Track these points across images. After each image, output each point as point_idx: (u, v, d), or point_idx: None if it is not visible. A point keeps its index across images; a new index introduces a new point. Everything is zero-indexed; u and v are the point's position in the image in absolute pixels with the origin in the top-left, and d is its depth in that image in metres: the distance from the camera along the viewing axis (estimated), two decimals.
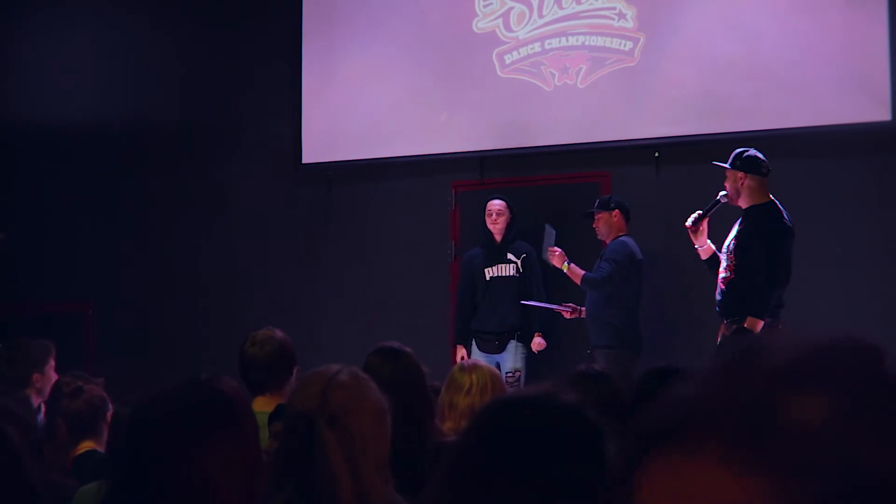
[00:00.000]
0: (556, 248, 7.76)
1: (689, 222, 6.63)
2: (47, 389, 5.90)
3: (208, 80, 9.91)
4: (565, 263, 7.70)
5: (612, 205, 7.85)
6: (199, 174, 9.87)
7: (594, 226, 7.90)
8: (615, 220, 7.84)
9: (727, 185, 6.47)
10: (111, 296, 9.99)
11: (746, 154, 6.41)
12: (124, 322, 9.98)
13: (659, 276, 8.28)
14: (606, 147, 8.51)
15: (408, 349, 3.88)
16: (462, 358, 7.90)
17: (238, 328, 9.62)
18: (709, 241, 6.62)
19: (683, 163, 8.29)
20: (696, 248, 6.70)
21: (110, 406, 5.00)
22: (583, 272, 7.69)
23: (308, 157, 9.45)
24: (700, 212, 6.63)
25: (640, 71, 8.38)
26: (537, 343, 8.01)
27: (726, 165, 6.46)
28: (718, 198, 6.55)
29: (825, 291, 7.58)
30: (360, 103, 9.22)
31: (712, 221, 6.69)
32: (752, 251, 6.29)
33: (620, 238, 7.79)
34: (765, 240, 6.26)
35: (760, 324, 6.15)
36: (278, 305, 9.38)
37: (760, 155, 6.43)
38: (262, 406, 4.25)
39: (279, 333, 4.38)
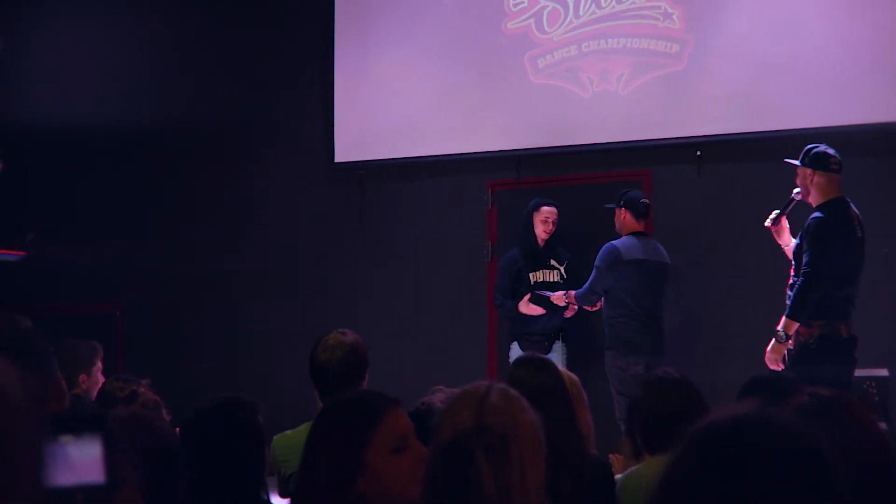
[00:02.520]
0: (558, 298, 7.75)
1: (768, 222, 6.53)
2: (94, 391, 5.80)
3: (240, 80, 9.80)
4: (563, 299, 7.73)
5: (622, 202, 7.69)
6: (230, 174, 9.76)
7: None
8: (623, 218, 7.69)
9: (797, 181, 6.36)
10: (140, 296, 9.89)
11: (815, 150, 6.28)
12: (153, 323, 9.88)
13: (701, 274, 8.18)
14: (647, 145, 8.40)
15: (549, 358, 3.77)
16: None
17: (268, 330, 9.58)
18: (794, 240, 6.49)
19: (726, 161, 8.19)
20: (782, 248, 6.60)
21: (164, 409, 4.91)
22: (573, 292, 7.69)
23: (340, 156, 9.34)
24: (778, 211, 6.53)
25: (685, 73, 8.24)
26: (558, 296, 7.86)
27: (796, 162, 6.35)
28: (793, 195, 6.44)
29: (873, 292, 7.47)
30: (393, 102, 9.11)
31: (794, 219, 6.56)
32: (804, 251, 6.18)
33: (612, 241, 7.64)
34: (815, 239, 6.14)
35: (794, 326, 6.04)
36: (309, 307, 9.28)
37: (831, 151, 6.29)
38: None
39: (350, 337, 4.26)
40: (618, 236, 7.83)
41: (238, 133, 9.79)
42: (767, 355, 6.09)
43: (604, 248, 7.58)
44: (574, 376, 4.01)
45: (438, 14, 9.03)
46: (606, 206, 7.76)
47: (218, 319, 9.65)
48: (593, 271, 7.56)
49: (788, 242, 6.50)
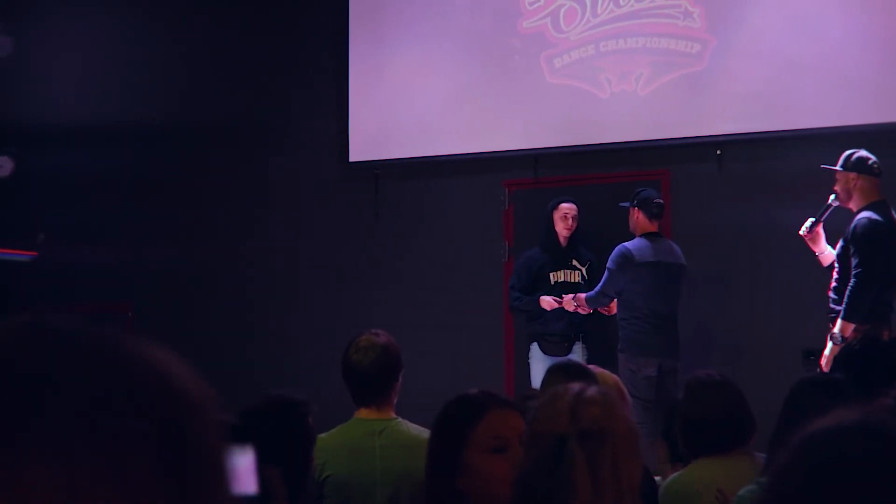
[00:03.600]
0: (567, 303, 7.67)
1: (802, 231, 6.47)
2: None
3: (252, 79, 9.73)
4: (573, 304, 7.65)
5: (635, 202, 7.59)
6: (243, 173, 9.69)
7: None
8: (636, 218, 7.59)
9: (837, 187, 6.31)
10: (152, 296, 9.83)
11: (857, 155, 6.27)
12: (165, 323, 9.80)
13: (721, 276, 8.12)
14: (666, 144, 8.33)
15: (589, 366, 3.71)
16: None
17: (283, 330, 9.51)
18: (829, 248, 6.44)
19: (746, 161, 8.13)
20: (816, 255, 6.54)
21: None
22: (584, 296, 7.61)
23: (355, 155, 9.26)
24: (813, 219, 6.47)
25: (706, 73, 8.18)
26: (567, 301, 7.75)
27: (837, 168, 6.31)
28: (830, 202, 6.39)
29: None
30: (409, 100, 9.04)
31: (829, 226, 6.51)
32: (852, 254, 6.14)
33: (624, 243, 7.56)
34: (866, 241, 6.10)
35: (850, 328, 6.00)
36: (323, 307, 9.22)
37: (871, 155, 6.27)
38: (368, 416, 4.09)
39: (383, 338, 4.18)
40: (634, 236, 7.79)
41: (251, 133, 9.72)
42: (825, 358, 6.06)
43: (616, 249, 7.50)
44: (615, 377, 3.95)
45: (453, 12, 8.97)
46: (620, 204, 7.70)
47: (231, 319, 9.58)
48: (605, 273, 7.51)
49: (824, 250, 6.46)
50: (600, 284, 7.52)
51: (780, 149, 7.99)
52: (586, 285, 7.90)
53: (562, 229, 7.95)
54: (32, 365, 0.80)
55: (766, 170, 8.03)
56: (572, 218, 7.94)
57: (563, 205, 7.97)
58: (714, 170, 8.21)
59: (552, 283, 7.94)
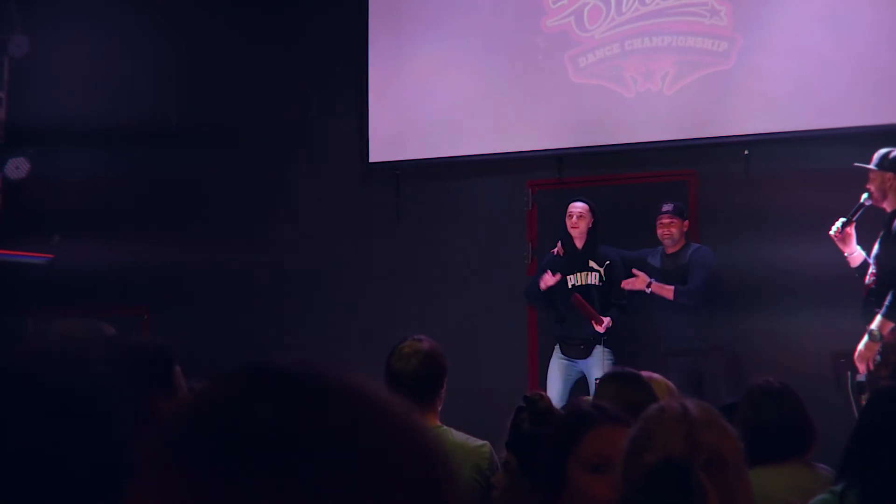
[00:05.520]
0: (638, 273, 7.56)
1: (833, 231, 6.36)
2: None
3: (272, 77, 9.63)
4: (648, 283, 7.57)
5: (686, 214, 7.74)
6: (261, 175, 9.58)
7: (669, 230, 7.65)
8: (685, 229, 7.73)
9: (871, 186, 6.20)
10: (169, 298, 9.72)
11: (894, 154, 6.15)
12: (181, 326, 9.70)
13: (750, 278, 8.00)
14: (692, 144, 8.21)
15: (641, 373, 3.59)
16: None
17: (298, 333, 9.40)
18: (858, 248, 6.33)
19: (775, 161, 8.01)
20: (845, 256, 6.42)
21: None
22: (672, 287, 7.51)
23: (375, 156, 9.15)
24: (844, 218, 6.36)
25: (733, 72, 8.06)
26: (606, 322, 7.68)
27: (872, 167, 6.20)
28: (862, 201, 6.28)
29: None
30: (430, 100, 8.93)
31: (861, 227, 6.39)
32: (892, 255, 6.03)
33: (706, 246, 7.67)
34: None
35: (889, 326, 5.91)
36: (342, 311, 9.11)
37: None
38: None
39: (426, 344, 4.09)
40: (656, 241, 7.74)
41: (271, 134, 9.62)
42: (859, 353, 5.97)
43: (709, 250, 7.62)
44: (667, 381, 3.85)
45: (474, 10, 8.85)
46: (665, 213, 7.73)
47: (250, 323, 9.47)
48: (705, 273, 7.51)
49: (854, 251, 6.36)
50: (703, 282, 7.50)
51: (809, 149, 7.87)
52: (605, 286, 7.78)
53: (571, 228, 7.82)
54: (275, 419, 0.76)
55: (796, 170, 7.91)
56: (577, 216, 7.79)
57: (571, 204, 7.85)
58: (742, 170, 8.09)
59: (569, 286, 7.82)
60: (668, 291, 7.50)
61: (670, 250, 7.74)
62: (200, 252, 9.70)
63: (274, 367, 0.84)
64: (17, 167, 9.07)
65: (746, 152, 8.06)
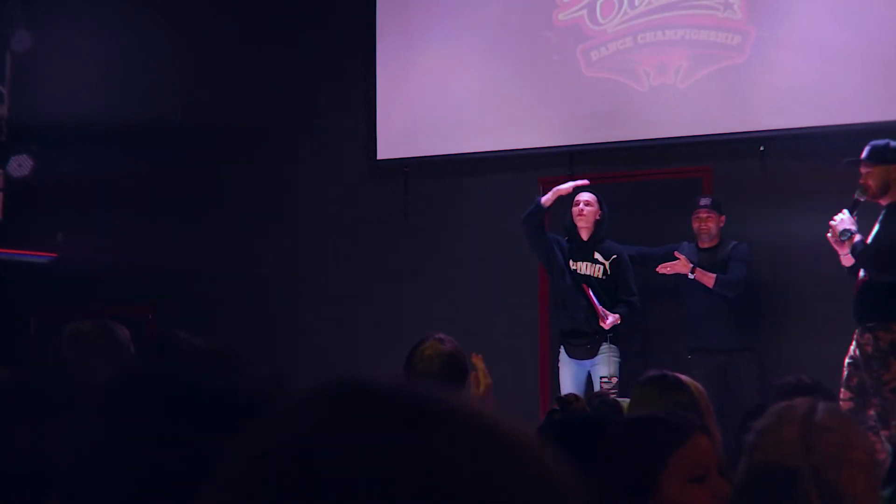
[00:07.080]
0: (680, 256, 7.40)
1: (836, 236, 6.18)
2: None
3: (279, 74, 9.50)
4: (692, 268, 7.42)
5: (723, 209, 7.63)
6: (269, 171, 9.45)
7: (707, 224, 7.52)
8: (722, 224, 7.62)
9: (870, 181, 6.04)
10: (174, 297, 9.60)
11: (894, 145, 6.01)
12: (187, 325, 9.56)
13: (766, 273, 7.88)
14: (707, 140, 8.09)
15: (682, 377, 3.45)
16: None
17: (306, 331, 9.27)
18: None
19: (791, 157, 7.88)
20: (839, 256, 6.29)
21: None
22: (713, 275, 7.35)
23: (383, 152, 9.03)
24: (845, 228, 6.22)
25: (747, 66, 7.94)
26: (613, 318, 7.51)
27: (872, 161, 6.06)
28: (856, 196, 6.14)
29: None
30: (439, 96, 8.80)
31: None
32: (891, 249, 5.90)
33: (744, 242, 7.61)
34: None
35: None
36: (351, 308, 8.99)
37: None
38: None
39: (448, 345, 3.98)
40: (673, 238, 7.62)
41: (278, 131, 9.49)
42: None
43: (748, 246, 7.57)
44: (700, 388, 3.71)
45: (484, 4, 8.73)
46: (703, 206, 7.62)
47: (256, 321, 9.35)
48: (745, 266, 7.47)
49: (847, 251, 6.21)
50: (743, 272, 7.46)
51: (825, 144, 7.73)
52: (609, 281, 7.62)
53: (577, 216, 7.65)
54: (365, 456, 0.63)
55: (812, 166, 7.78)
56: (584, 203, 7.62)
57: (579, 194, 7.70)
58: (757, 166, 7.97)
59: (571, 269, 7.66)
60: (709, 279, 7.40)
61: (706, 245, 7.62)
62: (206, 250, 9.58)
63: (362, 386, 0.68)
64: (20, 165, 8.94)
65: (762, 148, 7.93)
